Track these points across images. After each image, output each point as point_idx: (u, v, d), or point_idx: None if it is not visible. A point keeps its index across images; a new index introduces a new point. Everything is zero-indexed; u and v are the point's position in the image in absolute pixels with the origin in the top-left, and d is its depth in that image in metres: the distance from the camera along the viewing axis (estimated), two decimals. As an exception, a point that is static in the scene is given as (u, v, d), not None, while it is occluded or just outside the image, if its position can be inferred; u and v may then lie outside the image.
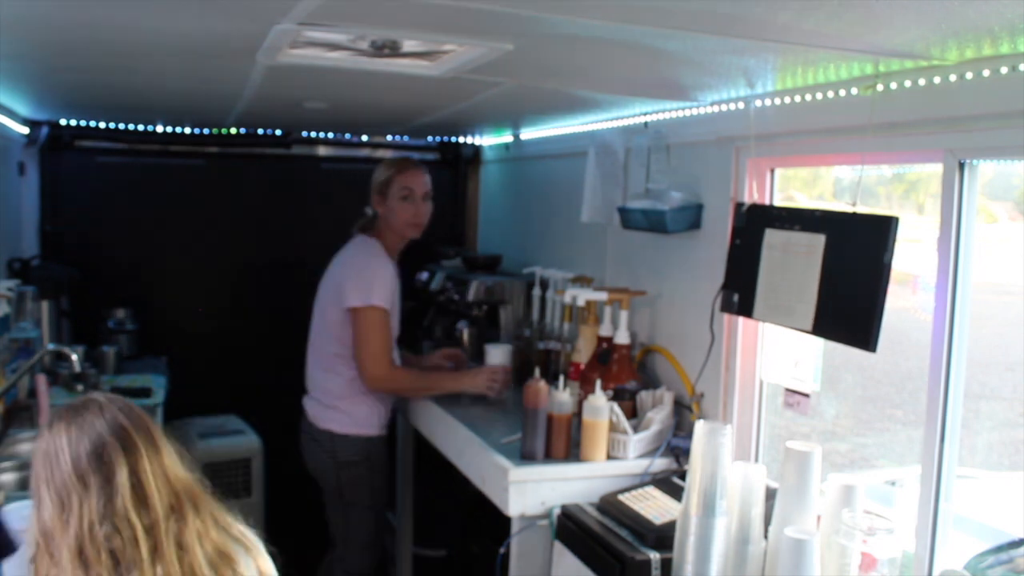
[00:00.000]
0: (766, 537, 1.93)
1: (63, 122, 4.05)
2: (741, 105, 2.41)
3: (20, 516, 1.73)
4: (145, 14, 1.71)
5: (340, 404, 3.02)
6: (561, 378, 2.55)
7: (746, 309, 2.32)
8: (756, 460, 2.52)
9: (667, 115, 2.79)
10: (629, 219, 2.86)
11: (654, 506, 2.24)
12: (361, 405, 3.02)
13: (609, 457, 2.48)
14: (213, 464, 3.65)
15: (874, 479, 2.33)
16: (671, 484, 2.36)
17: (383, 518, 3.23)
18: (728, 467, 1.94)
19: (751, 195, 2.47)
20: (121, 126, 4.15)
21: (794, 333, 2.22)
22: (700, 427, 1.96)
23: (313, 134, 4.48)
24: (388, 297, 2.96)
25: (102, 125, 4.13)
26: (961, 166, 1.84)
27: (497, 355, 3.07)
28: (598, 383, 2.50)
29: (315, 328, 3.13)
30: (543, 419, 2.45)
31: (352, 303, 2.92)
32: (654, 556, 2.05)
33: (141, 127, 4.19)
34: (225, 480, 3.68)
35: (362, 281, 2.93)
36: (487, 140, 4.58)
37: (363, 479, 3.04)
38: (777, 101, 2.27)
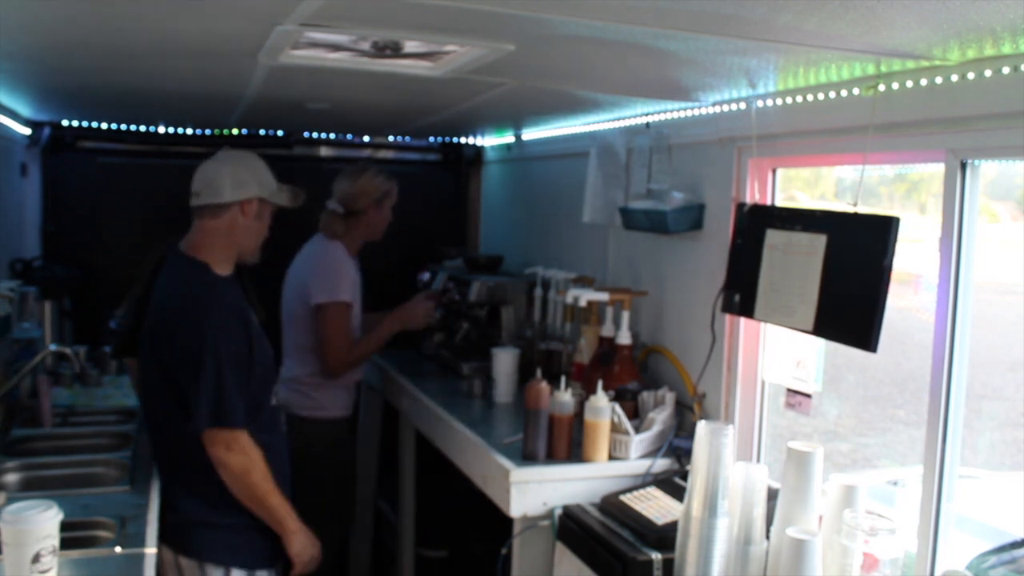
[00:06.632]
0: (768, 537, 1.93)
1: (65, 123, 4.05)
2: (743, 105, 2.41)
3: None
4: (147, 15, 1.71)
5: (306, 391, 3.23)
6: (563, 379, 2.54)
7: (747, 309, 2.32)
8: (758, 460, 2.52)
9: (669, 115, 2.79)
10: (631, 219, 2.86)
11: (656, 506, 2.24)
12: (327, 391, 3.24)
13: (611, 458, 2.48)
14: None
15: (876, 479, 2.32)
16: (673, 484, 2.36)
17: (351, 491, 3.46)
18: (730, 467, 1.94)
19: (753, 195, 2.47)
20: (123, 127, 4.16)
21: (796, 333, 2.22)
22: (702, 427, 1.96)
23: (315, 135, 4.49)
24: (351, 292, 3.19)
25: (104, 126, 4.13)
26: (963, 166, 1.84)
27: (505, 359, 3.07)
28: (600, 383, 2.50)
29: (284, 322, 3.31)
30: (545, 420, 2.46)
31: (318, 300, 3.13)
32: (656, 556, 2.05)
33: (143, 128, 4.19)
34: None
35: (327, 280, 3.15)
36: (489, 141, 4.58)
37: (330, 456, 3.24)
38: (779, 101, 2.27)
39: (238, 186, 2.45)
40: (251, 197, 2.46)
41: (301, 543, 2.41)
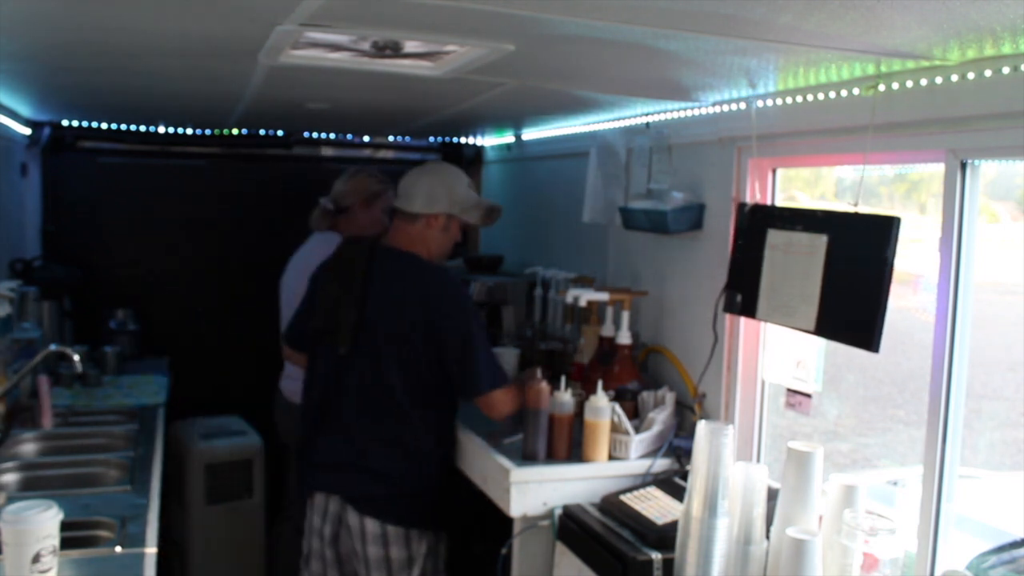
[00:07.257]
0: (768, 537, 1.93)
1: (65, 123, 4.06)
2: (743, 105, 2.41)
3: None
4: (147, 15, 1.71)
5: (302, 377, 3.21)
6: (563, 379, 2.54)
7: (749, 309, 2.32)
8: (758, 460, 2.52)
9: (669, 115, 2.79)
10: (631, 219, 2.86)
11: (656, 506, 2.24)
12: None
13: (611, 457, 2.48)
14: (215, 465, 3.65)
15: (876, 479, 2.32)
16: (673, 484, 2.36)
17: None
18: (730, 467, 1.94)
19: (753, 195, 2.47)
20: (123, 127, 4.16)
21: (796, 333, 2.22)
22: (702, 427, 1.96)
23: (315, 135, 4.49)
24: None
25: (104, 126, 4.14)
26: (963, 166, 1.84)
27: (505, 359, 3.06)
28: (600, 383, 2.50)
29: (284, 310, 3.27)
30: (545, 420, 2.46)
31: None
32: (656, 556, 2.05)
33: (143, 128, 4.20)
34: (227, 481, 3.68)
35: None
36: (489, 140, 4.58)
37: None
38: (779, 101, 2.27)
39: (429, 201, 2.63)
40: (439, 212, 2.64)
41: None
